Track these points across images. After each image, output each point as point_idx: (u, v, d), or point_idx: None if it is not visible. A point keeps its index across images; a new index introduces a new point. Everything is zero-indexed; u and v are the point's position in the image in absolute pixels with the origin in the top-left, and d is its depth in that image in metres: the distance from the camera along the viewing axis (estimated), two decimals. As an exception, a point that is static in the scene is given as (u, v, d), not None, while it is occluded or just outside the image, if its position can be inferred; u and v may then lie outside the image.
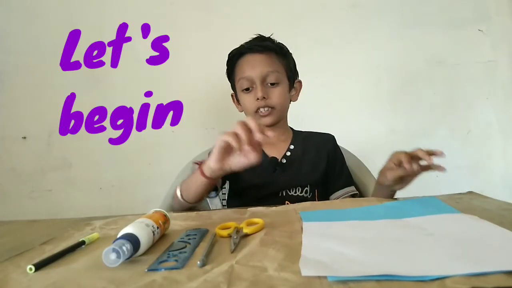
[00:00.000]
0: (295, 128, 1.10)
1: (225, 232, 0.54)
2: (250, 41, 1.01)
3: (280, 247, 0.47)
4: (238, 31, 1.50)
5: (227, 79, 1.08)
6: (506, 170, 1.51)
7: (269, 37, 1.02)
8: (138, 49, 1.57)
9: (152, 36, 1.57)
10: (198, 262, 0.43)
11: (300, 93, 1.07)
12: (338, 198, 0.96)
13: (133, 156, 1.56)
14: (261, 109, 0.96)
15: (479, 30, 1.52)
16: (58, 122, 1.58)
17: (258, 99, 0.95)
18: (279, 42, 1.02)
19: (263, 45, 0.98)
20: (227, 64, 1.05)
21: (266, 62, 0.96)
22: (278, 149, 1.01)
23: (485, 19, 1.52)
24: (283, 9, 1.55)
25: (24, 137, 1.58)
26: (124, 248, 0.43)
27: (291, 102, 1.06)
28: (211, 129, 1.52)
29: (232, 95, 1.09)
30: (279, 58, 0.99)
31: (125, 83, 1.58)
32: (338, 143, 1.07)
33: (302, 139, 1.05)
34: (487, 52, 1.52)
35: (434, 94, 1.54)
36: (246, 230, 0.54)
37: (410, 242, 0.46)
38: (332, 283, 0.35)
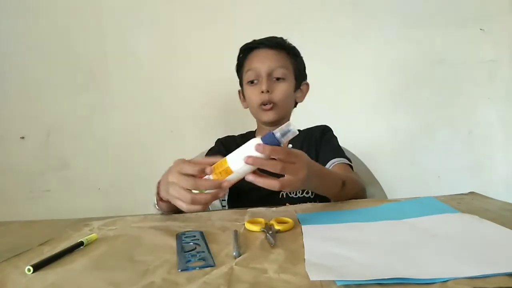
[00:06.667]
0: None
1: (256, 227, 0.55)
2: (261, 38, 1.02)
3: (280, 249, 0.46)
4: (238, 31, 1.52)
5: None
6: (508, 170, 1.51)
7: (281, 37, 1.03)
8: (138, 49, 1.57)
9: (152, 36, 1.57)
10: (234, 253, 0.44)
11: (306, 95, 1.08)
12: None
13: (132, 157, 1.56)
14: (265, 103, 0.97)
15: (480, 29, 1.51)
16: (56, 122, 1.57)
17: (262, 92, 0.95)
18: (291, 44, 1.03)
19: (274, 40, 1.00)
20: (237, 58, 1.06)
21: (275, 57, 0.98)
22: None
23: (487, 19, 1.51)
24: (283, 8, 1.54)
25: (23, 137, 1.58)
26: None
27: (297, 104, 1.07)
28: (210, 129, 1.52)
29: (239, 92, 1.09)
30: (289, 57, 1.00)
31: (125, 83, 1.58)
32: (339, 143, 1.06)
33: (300, 137, 1.04)
34: (489, 51, 1.52)
35: (435, 94, 1.54)
36: (278, 227, 0.55)
37: (414, 244, 0.46)
38: (333, 284, 0.35)
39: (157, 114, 1.57)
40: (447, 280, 0.34)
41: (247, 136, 1.09)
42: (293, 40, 1.05)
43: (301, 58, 1.06)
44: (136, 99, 1.57)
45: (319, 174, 0.68)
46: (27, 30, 1.57)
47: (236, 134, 1.11)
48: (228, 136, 1.09)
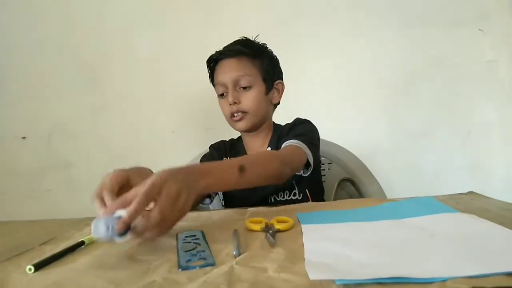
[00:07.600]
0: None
1: (257, 226, 0.56)
2: (225, 46, 1.00)
3: (280, 249, 0.47)
4: (238, 30, 1.50)
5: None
6: (507, 170, 1.51)
7: (244, 40, 0.99)
8: (140, 49, 1.57)
9: (154, 36, 1.57)
10: (234, 252, 0.44)
11: (282, 94, 1.04)
12: None
13: (133, 156, 1.56)
14: (235, 114, 0.95)
15: (479, 30, 1.51)
16: (58, 122, 1.58)
17: (230, 104, 0.94)
18: (257, 43, 0.99)
19: (234, 49, 0.97)
20: (208, 72, 1.04)
21: (237, 66, 0.95)
22: None
23: (486, 19, 1.51)
24: (283, 8, 1.54)
25: (24, 137, 1.58)
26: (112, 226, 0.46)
27: (277, 105, 1.04)
28: (211, 129, 1.52)
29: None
30: (251, 61, 0.96)
31: (127, 83, 1.58)
32: (339, 142, 1.06)
33: (276, 137, 1.01)
34: (488, 52, 1.52)
35: (435, 94, 1.54)
36: (278, 226, 0.55)
37: (414, 243, 0.46)
38: (333, 283, 0.35)
39: (158, 114, 1.57)
40: (446, 280, 0.34)
41: (238, 141, 1.09)
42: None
43: (268, 57, 1.00)
44: (137, 99, 1.58)
45: (202, 172, 0.61)
46: (28, 30, 1.58)
47: (227, 139, 1.10)
48: (220, 141, 1.09)
